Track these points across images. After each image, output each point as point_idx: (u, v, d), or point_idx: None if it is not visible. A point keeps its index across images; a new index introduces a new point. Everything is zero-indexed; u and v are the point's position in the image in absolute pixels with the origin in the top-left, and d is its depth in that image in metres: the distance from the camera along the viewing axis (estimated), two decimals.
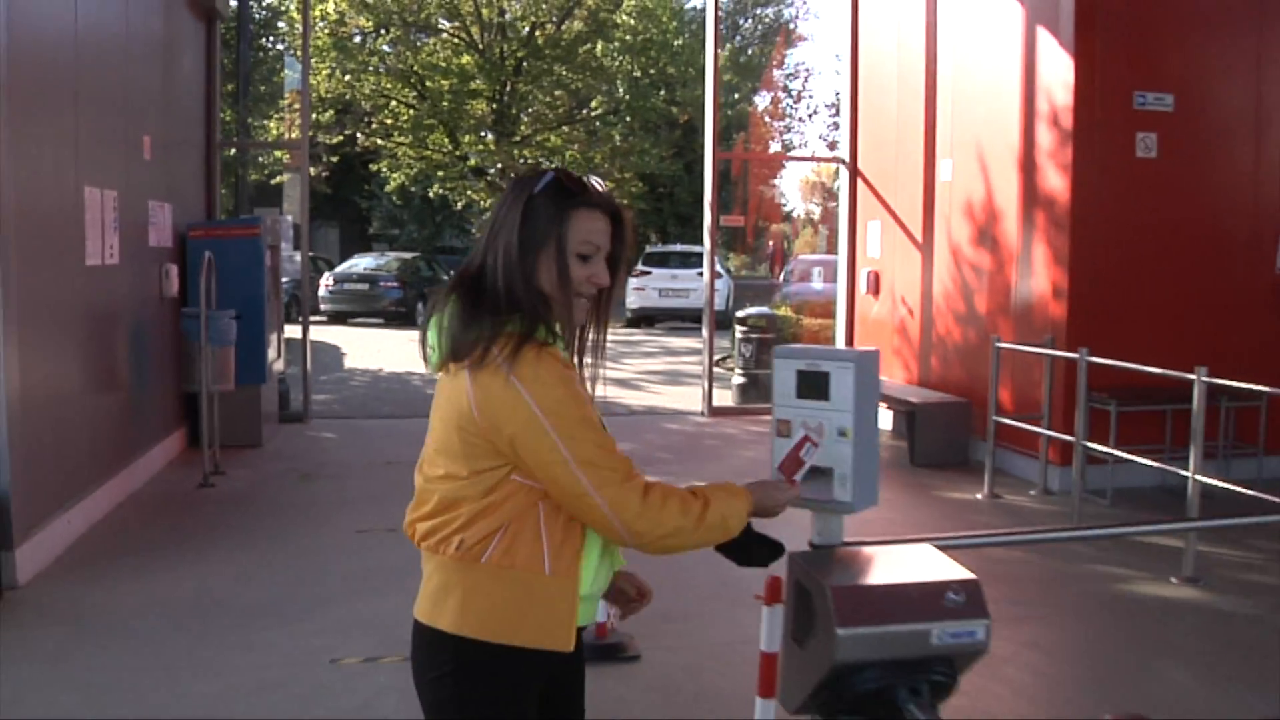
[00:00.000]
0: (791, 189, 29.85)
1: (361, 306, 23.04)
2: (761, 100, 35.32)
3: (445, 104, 26.38)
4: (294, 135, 20.51)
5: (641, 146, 27.71)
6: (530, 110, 28.28)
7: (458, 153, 27.24)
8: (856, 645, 1.85)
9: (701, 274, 13.32)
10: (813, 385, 2.10)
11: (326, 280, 23.25)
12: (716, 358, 11.72)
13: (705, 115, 11.23)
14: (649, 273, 22.93)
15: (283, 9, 27.23)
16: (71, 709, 3.99)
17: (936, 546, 2.14)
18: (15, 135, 5.39)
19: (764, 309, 13.93)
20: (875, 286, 10.78)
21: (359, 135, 27.10)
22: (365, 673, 4.40)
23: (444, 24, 26.96)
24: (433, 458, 2.03)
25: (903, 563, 2.06)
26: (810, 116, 33.67)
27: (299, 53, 14.60)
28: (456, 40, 26.80)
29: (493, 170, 27.55)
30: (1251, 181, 8.08)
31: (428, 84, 26.36)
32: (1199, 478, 5.80)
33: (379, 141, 27.07)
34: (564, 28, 26.77)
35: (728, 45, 34.45)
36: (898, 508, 7.30)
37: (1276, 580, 5.92)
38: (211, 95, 10.19)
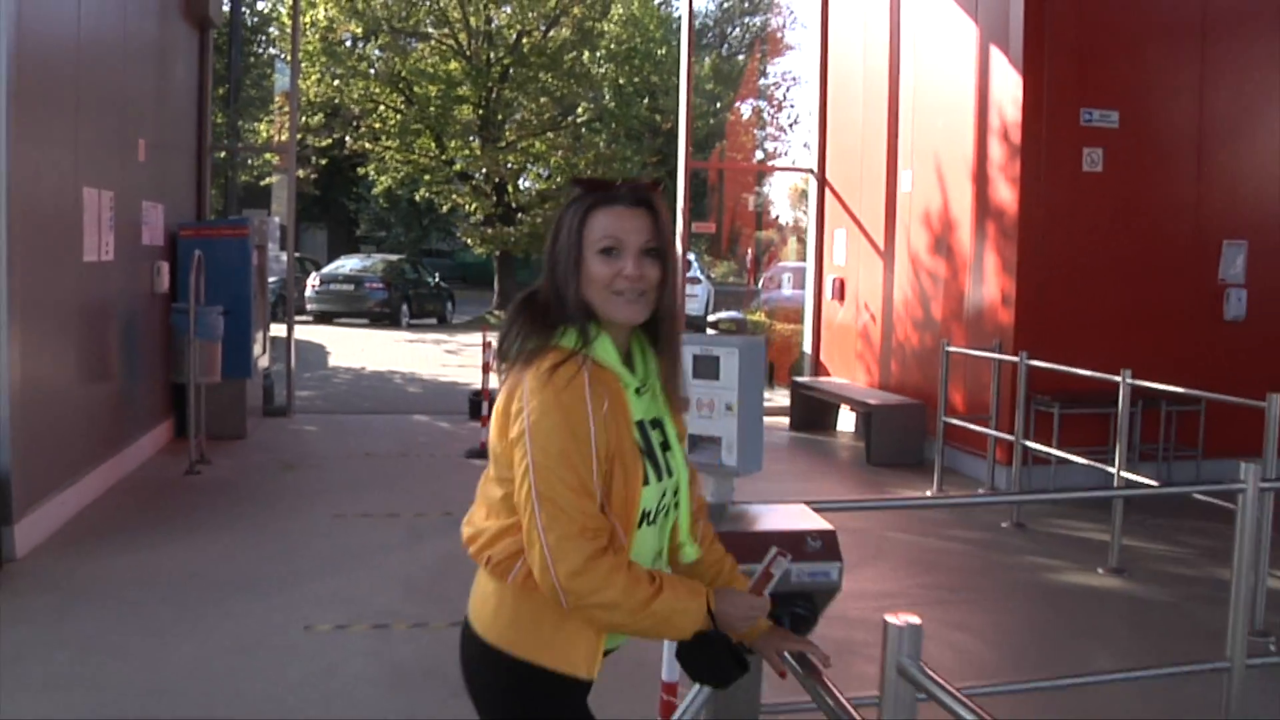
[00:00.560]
0: (780, 197, 30.22)
1: (347, 307, 23.34)
2: (745, 109, 35.71)
3: (432, 109, 26.78)
4: (283, 138, 20.82)
5: (624, 153, 28.07)
6: (516, 116, 28.66)
7: (444, 157, 27.60)
8: None
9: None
10: (706, 367, 2.49)
11: (313, 280, 23.53)
12: None
13: (680, 123, 11.58)
14: None
15: (273, 15, 27.58)
16: (65, 665, 4.37)
17: (810, 507, 2.54)
18: (21, 137, 5.70)
19: (735, 313, 14.26)
20: (841, 293, 11.15)
21: (347, 139, 27.49)
22: (335, 638, 4.77)
23: (432, 31, 27.33)
24: (490, 465, 2.04)
25: (776, 517, 2.46)
26: (791, 126, 33.99)
27: (289, 57, 14.84)
28: (444, 47, 27.16)
29: (478, 175, 27.92)
30: (1194, 194, 8.47)
31: (415, 89, 26.75)
32: (1124, 474, 6.22)
33: (367, 145, 27.42)
34: (550, 35, 27.14)
35: (713, 54, 34.83)
36: None
37: (1194, 571, 6.34)
38: (204, 100, 10.52)
